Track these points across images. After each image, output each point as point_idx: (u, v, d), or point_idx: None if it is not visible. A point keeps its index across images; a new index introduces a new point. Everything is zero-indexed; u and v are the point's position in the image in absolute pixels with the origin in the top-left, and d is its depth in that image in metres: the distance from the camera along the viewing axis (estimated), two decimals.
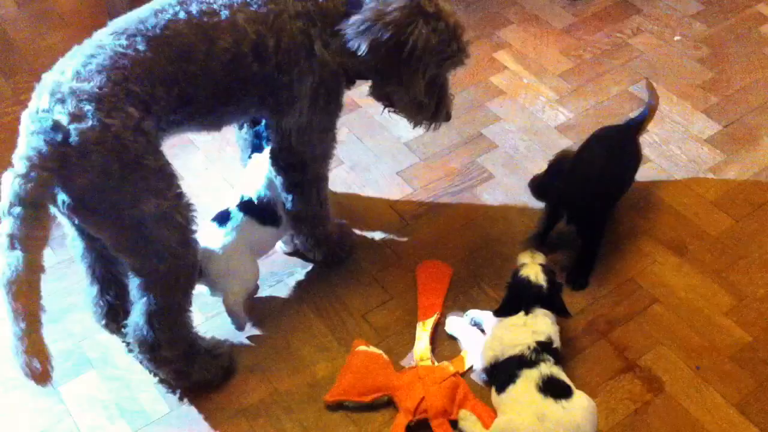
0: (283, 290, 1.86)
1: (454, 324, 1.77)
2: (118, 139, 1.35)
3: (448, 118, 1.72)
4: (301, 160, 1.69)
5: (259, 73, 1.52)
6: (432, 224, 1.99)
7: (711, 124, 2.22)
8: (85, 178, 1.34)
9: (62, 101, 1.34)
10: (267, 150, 1.76)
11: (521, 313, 1.67)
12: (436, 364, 1.70)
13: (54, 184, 1.34)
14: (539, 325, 1.65)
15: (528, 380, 1.56)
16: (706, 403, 1.66)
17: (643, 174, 2.07)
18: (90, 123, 1.33)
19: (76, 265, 1.73)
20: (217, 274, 1.70)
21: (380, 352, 1.71)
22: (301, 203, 1.75)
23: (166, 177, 1.45)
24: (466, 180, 2.09)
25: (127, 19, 1.46)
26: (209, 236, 1.71)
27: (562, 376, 1.60)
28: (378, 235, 1.97)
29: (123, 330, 1.64)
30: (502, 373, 1.61)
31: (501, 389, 1.59)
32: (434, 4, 1.55)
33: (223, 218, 1.74)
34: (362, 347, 1.72)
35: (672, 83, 2.34)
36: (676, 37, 2.49)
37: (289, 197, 1.75)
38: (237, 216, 1.74)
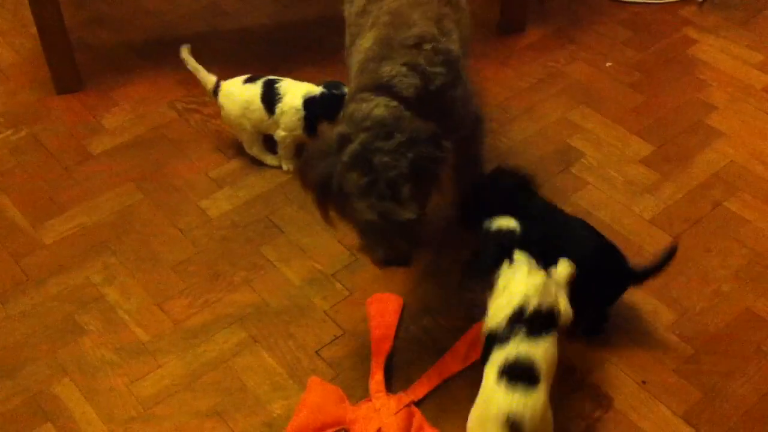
0: (236, 331, 1.88)
1: None
2: None
3: None
4: None
5: None
6: None
7: (645, 146, 2.30)
8: None
9: None
10: None
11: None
12: (391, 395, 1.72)
13: None
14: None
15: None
16: (653, 417, 1.71)
17: (581, 197, 2.14)
18: None
19: (27, 318, 1.73)
20: None
21: (335, 387, 1.74)
22: None
23: None
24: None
25: None
26: None
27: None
28: (328, 270, 2.00)
29: None
30: None
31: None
32: None
33: None
34: (317, 383, 1.74)
35: (606, 108, 2.42)
36: (608, 64, 2.58)
37: None
38: None
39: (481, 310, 1.66)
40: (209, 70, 2.23)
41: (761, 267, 1.99)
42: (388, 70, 1.62)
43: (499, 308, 1.59)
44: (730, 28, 2.68)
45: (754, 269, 1.99)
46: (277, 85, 2.17)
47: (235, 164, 2.28)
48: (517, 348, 1.53)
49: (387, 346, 1.81)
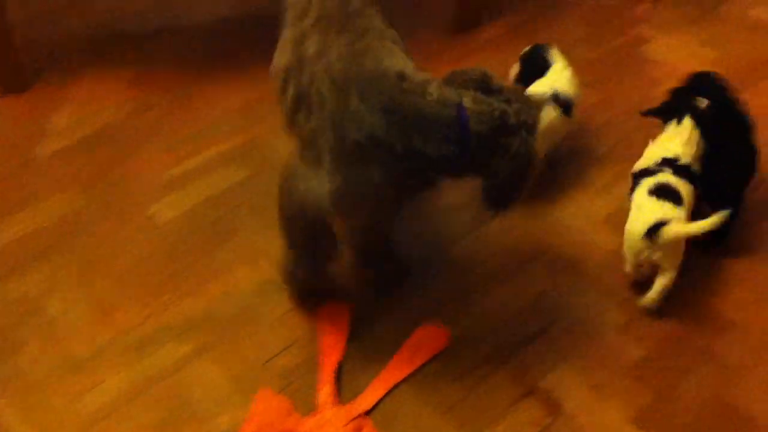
0: (182, 342, 1.85)
1: None
2: None
3: None
4: None
5: None
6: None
7: (600, 144, 2.30)
8: None
9: None
10: None
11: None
12: (341, 405, 1.70)
13: None
14: None
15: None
16: (604, 421, 1.71)
17: (539, 197, 2.13)
18: None
19: None
20: None
21: (285, 398, 1.71)
22: None
23: None
24: None
25: None
26: None
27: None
28: (279, 278, 1.97)
29: None
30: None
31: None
32: None
33: None
34: (265, 395, 1.71)
35: None
36: None
37: None
38: None
39: None
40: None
41: (710, 267, 1.99)
42: None
43: (654, 154, 1.94)
44: (683, 26, 2.68)
45: (702, 269, 1.99)
46: None
47: (186, 166, 2.23)
48: (665, 177, 1.85)
49: (337, 355, 1.79)
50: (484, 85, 1.61)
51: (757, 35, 2.65)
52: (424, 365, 1.79)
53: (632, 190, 1.91)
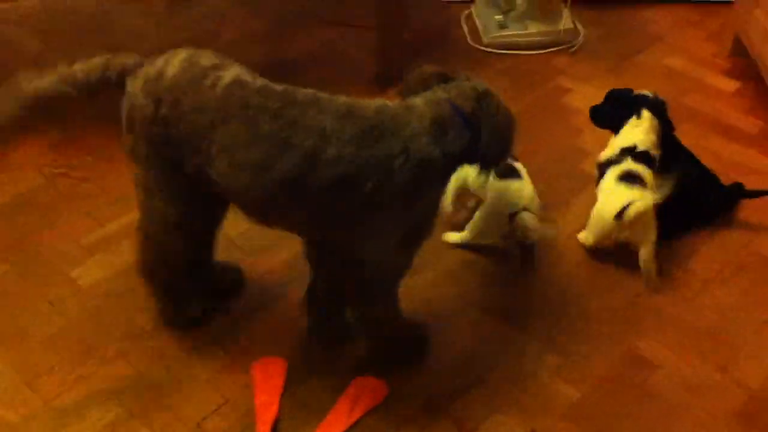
0: (111, 407, 1.78)
1: None
2: None
3: None
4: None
5: None
6: (265, 320, 1.97)
7: None
8: None
9: None
10: None
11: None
12: None
13: None
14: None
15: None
16: None
17: (472, 254, 2.15)
18: None
19: None
20: None
21: None
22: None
23: None
24: (296, 271, 2.08)
25: None
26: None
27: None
28: (207, 336, 1.93)
29: None
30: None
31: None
32: None
33: None
34: None
35: None
36: None
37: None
38: None
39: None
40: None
41: (641, 308, 2.03)
42: None
43: (615, 146, 2.16)
44: (601, 76, 2.78)
45: (633, 309, 2.02)
46: None
47: (108, 229, 2.18)
48: (628, 165, 2.09)
49: (273, 411, 1.75)
50: (443, 76, 1.71)
51: (672, 82, 2.76)
52: (361, 418, 1.76)
53: (599, 179, 2.15)
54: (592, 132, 2.54)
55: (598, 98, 2.58)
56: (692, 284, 2.09)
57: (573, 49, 2.89)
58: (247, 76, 1.59)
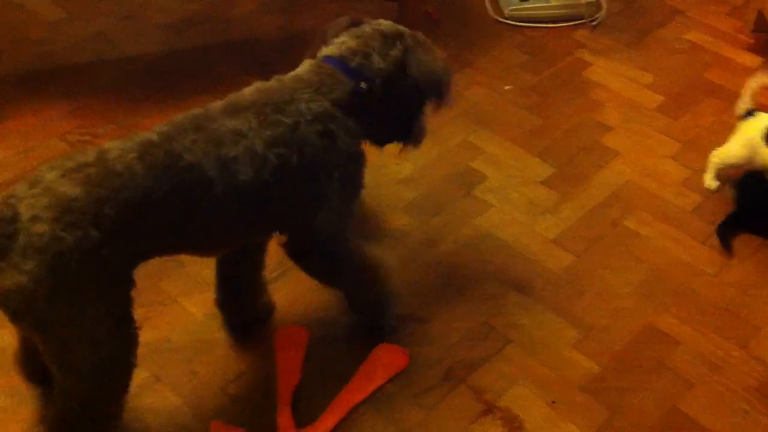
0: (137, 371, 1.79)
1: None
2: None
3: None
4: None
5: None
6: (284, 289, 1.98)
7: (545, 168, 2.34)
8: None
9: None
10: None
11: None
12: (300, 430, 1.68)
13: None
14: None
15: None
16: None
17: (485, 219, 2.15)
18: None
19: None
20: None
21: (240, 429, 1.68)
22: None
23: None
24: None
25: None
26: None
27: None
28: None
29: None
30: None
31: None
32: None
33: None
34: (218, 427, 1.68)
35: (506, 131, 2.45)
36: (507, 87, 2.62)
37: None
38: None
39: None
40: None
41: (660, 282, 2.04)
42: None
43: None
44: (621, 50, 2.77)
45: (653, 285, 2.03)
46: None
47: None
48: None
49: (294, 380, 1.77)
50: (355, 23, 1.69)
51: (693, 57, 2.74)
52: (382, 386, 1.78)
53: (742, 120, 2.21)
54: (612, 106, 2.54)
55: (619, 72, 2.59)
56: (714, 260, 2.10)
57: (595, 23, 2.87)
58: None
